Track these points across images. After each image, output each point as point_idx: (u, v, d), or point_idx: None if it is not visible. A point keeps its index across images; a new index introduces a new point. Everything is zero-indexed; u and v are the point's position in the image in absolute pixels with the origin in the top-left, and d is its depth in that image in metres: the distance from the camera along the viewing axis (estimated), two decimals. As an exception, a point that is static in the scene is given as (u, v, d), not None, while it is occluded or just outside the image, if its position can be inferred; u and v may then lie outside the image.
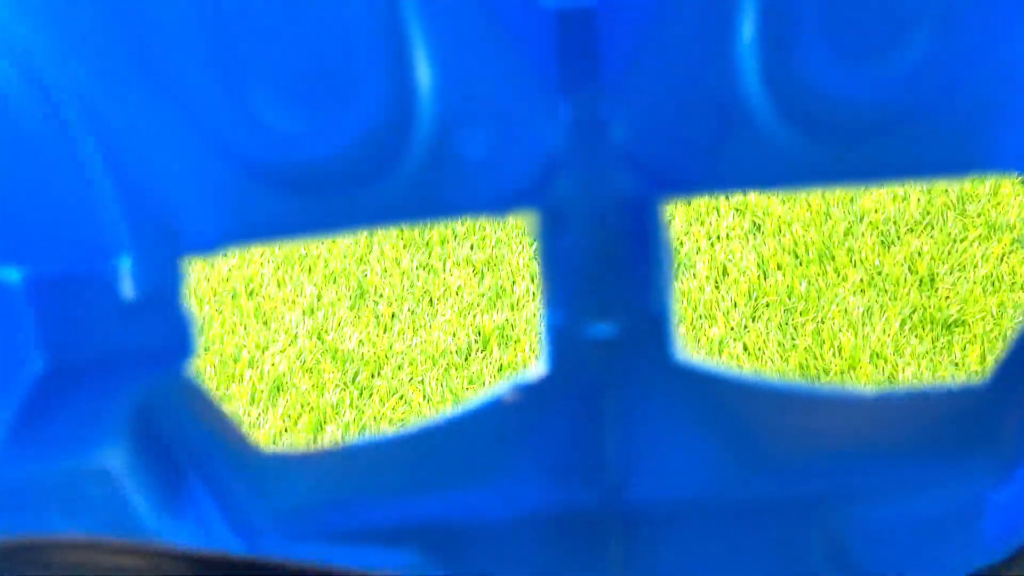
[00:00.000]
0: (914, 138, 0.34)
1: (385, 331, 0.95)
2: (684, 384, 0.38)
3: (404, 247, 1.07)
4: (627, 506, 0.41)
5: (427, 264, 1.03)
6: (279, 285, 1.06)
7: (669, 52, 0.35)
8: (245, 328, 0.97)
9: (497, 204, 0.34)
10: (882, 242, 0.97)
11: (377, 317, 0.97)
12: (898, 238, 0.98)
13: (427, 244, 1.04)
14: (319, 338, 0.97)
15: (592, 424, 0.39)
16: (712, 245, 0.99)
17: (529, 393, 0.38)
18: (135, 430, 0.37)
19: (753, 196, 1.00)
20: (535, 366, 0.38)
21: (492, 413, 0.38)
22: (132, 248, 0.35)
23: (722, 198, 1.00)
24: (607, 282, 0.36)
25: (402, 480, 0.40)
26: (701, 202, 0.99)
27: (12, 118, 0.33)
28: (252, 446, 0.39)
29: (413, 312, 0.97)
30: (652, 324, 0.37)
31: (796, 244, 0.98)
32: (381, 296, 1.00)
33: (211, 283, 1.03)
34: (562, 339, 0.37)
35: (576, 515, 0.41)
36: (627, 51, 0.35)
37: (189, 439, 0.39)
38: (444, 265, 1.02)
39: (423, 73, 0.34)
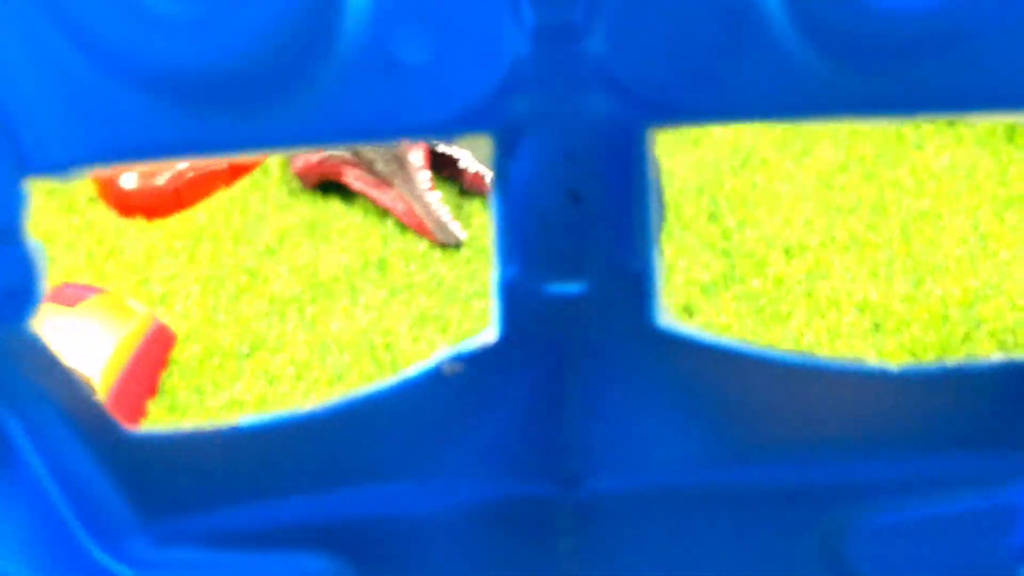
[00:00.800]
0: (969, 60, 0.27)
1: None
2: (663, 353, 0.31)
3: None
4: (585, 496, 0.33)
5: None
6: (414, 341, 1.11)
7: None
8: (381, 379, 1.01)
9: (444, 123, 0.27)
10: (1000, 349, 0.99)
11: (504, 379, 1.00)
12: (1015, 345, 1.00)
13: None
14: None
15: (549, 401, 0.31)
16: (832, 340, 1.02)
17: (473, 363, 0.30)
18: None
19: (874, 294, 1.02)
20: (484, 332, 0.30)
21: (426, 388, 0.31)
22: None
23: (843, 294, 1.02)
24: (575, 229, 0.28)
25: (309, 469, 0.32)
26: (822, 296, 1.01)
27: None
28: (111, 423, 0.31)
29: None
30: (628, 282, 0.29)
31: (915, 344, 1.00)
32: (509, 360, 1.03)
33: (350, 332, 1.08)
34: (517, 298, 0.29)
35: (522, 509, 0.34)
36: None
37: (26, 411, 0.30)
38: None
39: None
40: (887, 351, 1.02)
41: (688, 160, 0.97)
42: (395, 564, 0.33)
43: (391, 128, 0.27)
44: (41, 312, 0.86)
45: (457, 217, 0.92)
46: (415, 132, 0.28)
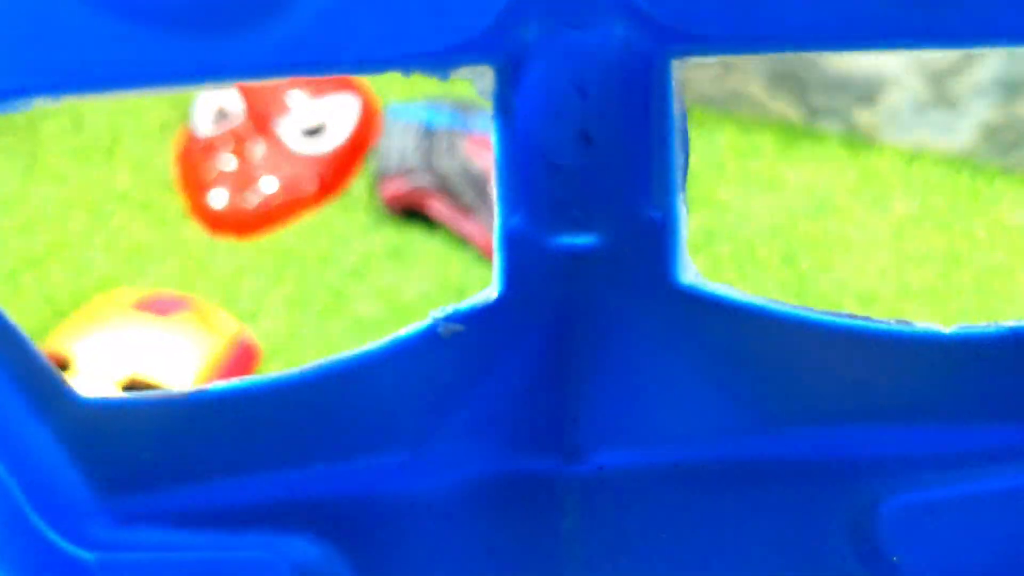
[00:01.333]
0: None
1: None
2: (684, 314, 0.28)
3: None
4: (591, 470, 0.31)
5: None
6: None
7: None
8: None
9: (442, 53, 0.24)
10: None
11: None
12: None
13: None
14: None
15: (554, 366, 0.29)
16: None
17: (473, 324, 0.28)
18: None
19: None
20: (485, 289, 0.28)
21: (420, 351, 0.28)
22: None
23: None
24: (586, 174, 0.26)
25: (288, 440, 0.30)
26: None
27: None
28: (66, 390, 0.28)
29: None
30: (646, 234, 0.27)
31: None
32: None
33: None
34: (521, 252, 0.27)
35: (522, 484, 0.31)
36: None
37: None
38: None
39: None
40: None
41: (763, 203, 0.99)
42: (384, 544, 0.30)
43: (381, 58, 0.24)
44: (133, 320, 0.89)
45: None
46: (409, 63, 0.24)
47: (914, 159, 1.01)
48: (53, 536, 0.29)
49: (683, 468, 0.31)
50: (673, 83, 0.25)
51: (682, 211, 0.27)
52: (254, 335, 0.86)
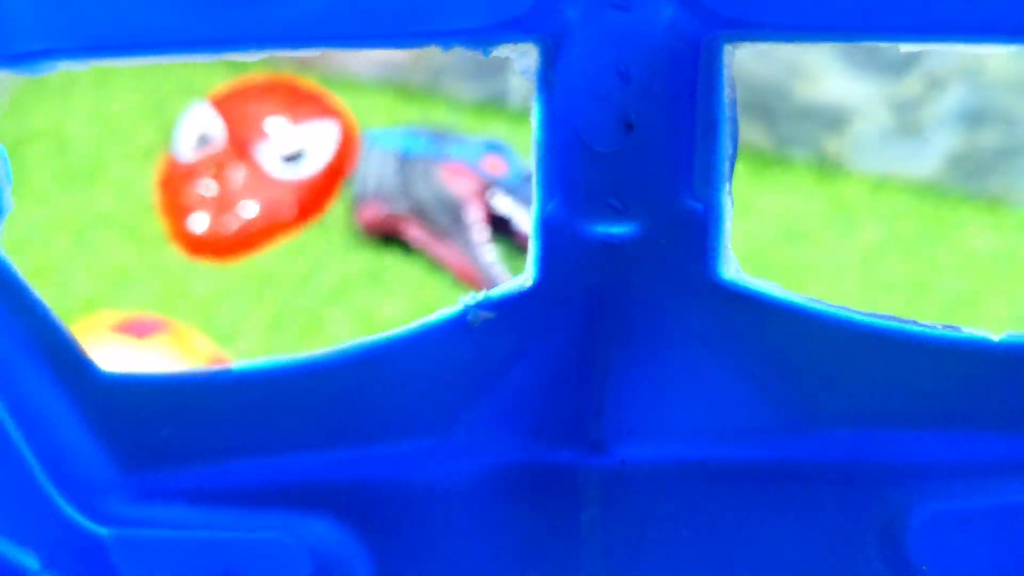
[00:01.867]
0: None
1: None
2: (723, 310, 0.28)
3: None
4: (615, 464, 0.30)
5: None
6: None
7: None
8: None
9: (483, 30, 0.24)
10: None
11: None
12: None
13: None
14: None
15: (584, 357, 0.28)
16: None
17: (504, 312, 0.27)
18: None
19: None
20: (518, 277, 0.27)
21: (449, 337, 0.27)
22: None
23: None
24: (627, 161, 0.25)
25: (310, 422, 0.30)
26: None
27: None
28: (86, 363, 0.28)
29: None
30: (687, 227, 0.26)
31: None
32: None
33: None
34: (556, 240, 0.26)
35: (546, 474, 0.31)
36: None
37: None
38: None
39: None
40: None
41: (733, 229, 1.01)
42: (403, 530, 0.29)
43: (423, 32, 0.23)
44: (111, 342, 0.90)
45: (513, 272, 0.95)
46: (451, 38, 0.23)
47: (881, 187, 1.04)
48: (69, 510, 0.29)
49: (709, 465, 0.30)
50: (725, 70, 0.24)
51: (727, 203, 0.26)
52: (231, 357, 0.88)
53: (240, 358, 0.86)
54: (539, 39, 0.24)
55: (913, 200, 1.02)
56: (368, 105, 1.07)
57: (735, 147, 0.26)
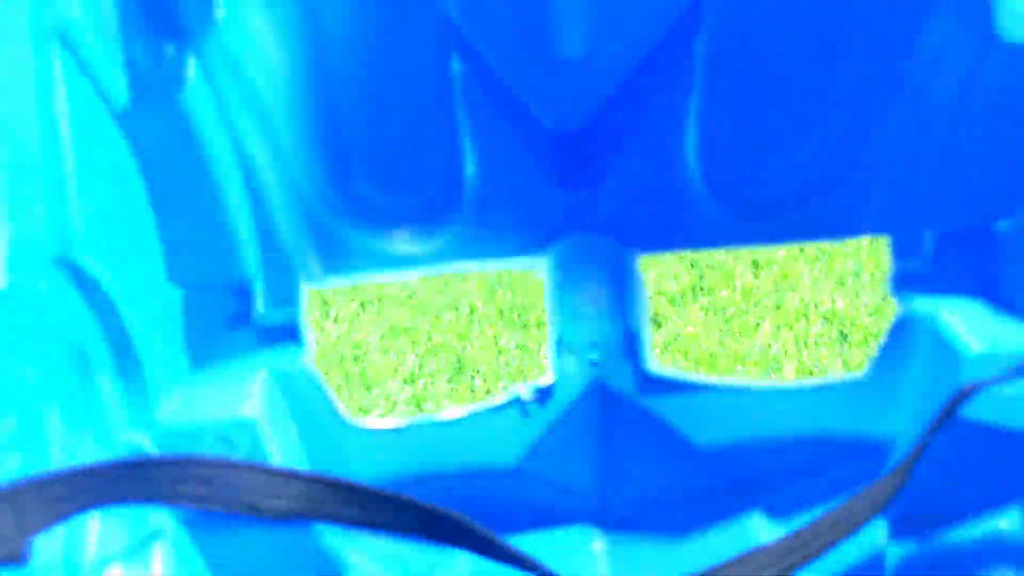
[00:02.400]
0: (805, 212, 0.52)
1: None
2: (656, 390, 0.53)
3: (504, 326, 1.12)
4: (608, 501, 0.56)
5: (524, 344, 1.07)
6: (383, 352, 1.12)
7: (635, 157, 0.52)
8: (349, 391, 1.02)
9: (518, 256, 0.55)
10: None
11: (473, 391, 1.02)
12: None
13: (525, 326, 1.09)
14: (417, 406, 1.02)
15: (586, 428, 0.55)
16: (800, 350, 1.03)
17: (540, 393, 0.55)
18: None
19: (841, 304, 1.03)
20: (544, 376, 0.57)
21: (510, 409, 0.55)
22: (262, 272, 0.52)
23: (811, 304, 1.03)
24: (599, 311, 0.54)
25: (434, 461, 0.57)
26: (790, 306, 1.02)
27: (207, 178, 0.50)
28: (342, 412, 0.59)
29: (508, 389, 1.01)
30: (628, 342, 0.54)
31: (881, 355, 1.01)
32: (478, 371, 1.05)
33: (321, 345, 1.09)
34: (564, 354, 0.55)
35: (562, 515, 0.57)
36: (607, 156, 0.52)
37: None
38: (539, 346, 1.06)
39: (469, 169, 0.53)
40: (854, 362, 1.02)
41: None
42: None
43: (486, 257, 0.59)
44: None
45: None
46: (500, 258, 0.60)
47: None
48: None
49: (668, 500, 0.62)
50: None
51: (645, 328, 0.62)
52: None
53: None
54: (550, 260, 0.59)
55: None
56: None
57: (646, 303, 0.61)
